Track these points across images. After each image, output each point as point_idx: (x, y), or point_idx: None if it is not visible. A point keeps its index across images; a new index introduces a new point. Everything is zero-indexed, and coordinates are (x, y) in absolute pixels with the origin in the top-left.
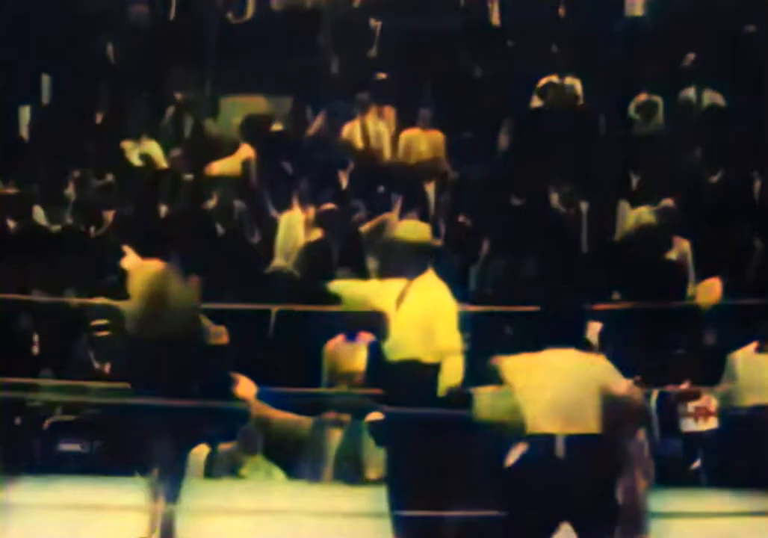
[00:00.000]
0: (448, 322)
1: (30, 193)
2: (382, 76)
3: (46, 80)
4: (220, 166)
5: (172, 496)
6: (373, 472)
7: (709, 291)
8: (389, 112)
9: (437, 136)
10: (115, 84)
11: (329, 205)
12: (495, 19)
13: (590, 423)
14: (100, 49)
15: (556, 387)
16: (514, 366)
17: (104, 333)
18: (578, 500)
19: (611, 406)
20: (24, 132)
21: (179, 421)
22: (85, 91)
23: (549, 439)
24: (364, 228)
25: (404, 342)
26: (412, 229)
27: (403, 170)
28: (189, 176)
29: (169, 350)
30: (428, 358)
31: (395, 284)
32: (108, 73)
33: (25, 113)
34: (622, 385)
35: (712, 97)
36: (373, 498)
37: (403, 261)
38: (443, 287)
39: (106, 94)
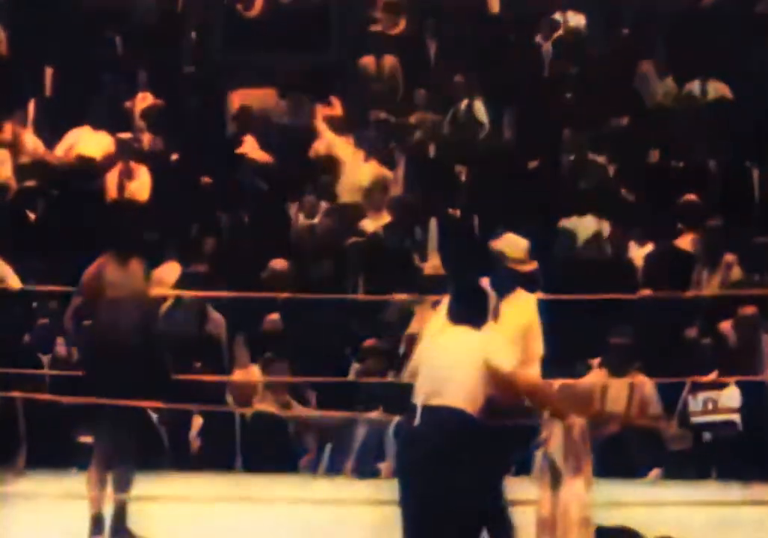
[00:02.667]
0: (538, 332)
1: None
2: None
3: (49, 73)
4: None
5: (123, 485)
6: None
7: None
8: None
9: None
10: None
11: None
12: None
13: (454, 398)
14: (106, 41)
15: (432, 362)
16: (422, 344)
17: None
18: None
19: (495, 384)
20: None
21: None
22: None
23: (414, 409)
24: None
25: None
26: (513, 244)
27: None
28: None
29: (115, 343)
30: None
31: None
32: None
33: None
34: (507, 364)
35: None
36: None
37: (502, 275)
38: (532, 299)
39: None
